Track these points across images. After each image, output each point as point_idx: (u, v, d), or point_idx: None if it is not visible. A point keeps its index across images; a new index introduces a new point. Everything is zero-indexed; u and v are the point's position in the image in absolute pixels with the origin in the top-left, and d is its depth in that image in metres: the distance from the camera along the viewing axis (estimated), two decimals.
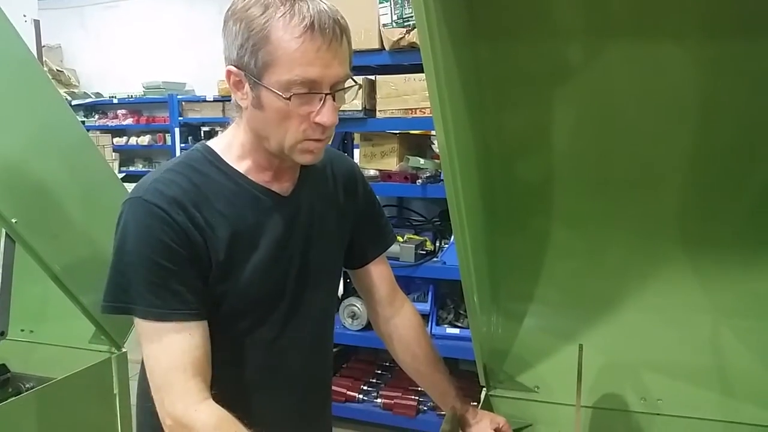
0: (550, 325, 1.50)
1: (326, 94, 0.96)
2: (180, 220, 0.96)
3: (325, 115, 0.96)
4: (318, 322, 1.19)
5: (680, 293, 1.38)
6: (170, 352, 0.95)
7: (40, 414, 1.70)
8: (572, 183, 1.37)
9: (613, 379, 1.43)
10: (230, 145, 1.06)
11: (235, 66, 0.96)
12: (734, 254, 1.35)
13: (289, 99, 0.94)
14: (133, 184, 1.12)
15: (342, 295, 3.40)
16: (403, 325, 1.32)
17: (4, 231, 1.58)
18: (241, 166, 1.06)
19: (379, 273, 1.30)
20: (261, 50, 0.92)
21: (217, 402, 0.96)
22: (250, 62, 0.94)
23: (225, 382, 1.00)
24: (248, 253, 1.04)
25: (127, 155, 7.19)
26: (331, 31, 0.92)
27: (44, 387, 1.72)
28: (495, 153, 1.34)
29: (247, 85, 0.97)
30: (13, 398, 1.67)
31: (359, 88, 1.03)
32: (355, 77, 1.01)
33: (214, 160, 1.05)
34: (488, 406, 1.46)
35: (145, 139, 6.98)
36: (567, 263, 1.45)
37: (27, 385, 1.82)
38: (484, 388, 1.50)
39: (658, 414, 1.39)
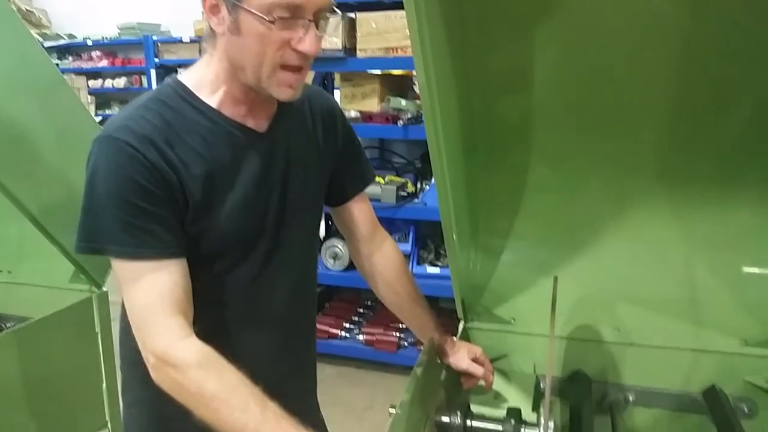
0: (528, 259, 1.52)
1: (310, 21, 0.94)
2: (152, 158, 0.94)
3: (308, 43, 0.94)
4: (299, 261, 1.18)
5: (656, 227, 1.40)
6: (149, 291, 0.94)
7: (21, 353, 1.71)
8: (552, 119, 1.37)
9: (588, 311, 1.46)
10: (202, 79, 1.03)
11: None
12: (711, 189, 1.36)
13: (272, 22, 0.91)
14: None
15: (324, 236, 3.43)
16: (384, 262, 1.33)
17: None
18: (214, 101, 1.03)
19: (359, 211, 1.30)
20: None
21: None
22: None
23: (206, 322, 0.99)
24: (225, 192, 1.02)
25: (103, 98, 7.03)
26: None
27: (25, 326, 1.72)
28: (476, 90, 1.33)
29: (224, 9, 0.94)
30: None
31: (341, 21, 1.00)
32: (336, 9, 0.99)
33: (186, 95, 1.02)
34: (466, 339, 1.49)
35: (120, 82, 6.82)
36: (545, 198, 1.46)
37: (7, 325, 1.83)
38: (462, 322, 1.53)
39: (630, 344, 1.43)
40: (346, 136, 1.25)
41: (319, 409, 1.33)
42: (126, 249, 0.94)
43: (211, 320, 0.99)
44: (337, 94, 3.29)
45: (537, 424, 1.14)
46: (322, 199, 1.23)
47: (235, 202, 1.03)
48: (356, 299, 3.66)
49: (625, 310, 1.44)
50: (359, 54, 2.83)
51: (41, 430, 1.79)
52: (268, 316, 1.12)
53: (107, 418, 1.92)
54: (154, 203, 0.94)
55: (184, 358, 0.91)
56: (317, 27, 0.96)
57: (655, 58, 1.23)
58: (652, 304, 1.42)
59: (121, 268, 0.95)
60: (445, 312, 2.51)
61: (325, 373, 3.30)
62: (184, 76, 1.05)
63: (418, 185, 3.20)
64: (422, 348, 1.33)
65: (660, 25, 1.18)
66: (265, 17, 0.91)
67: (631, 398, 1.45)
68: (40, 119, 1.83)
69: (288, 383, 1.07)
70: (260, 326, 1.12)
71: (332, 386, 3.15)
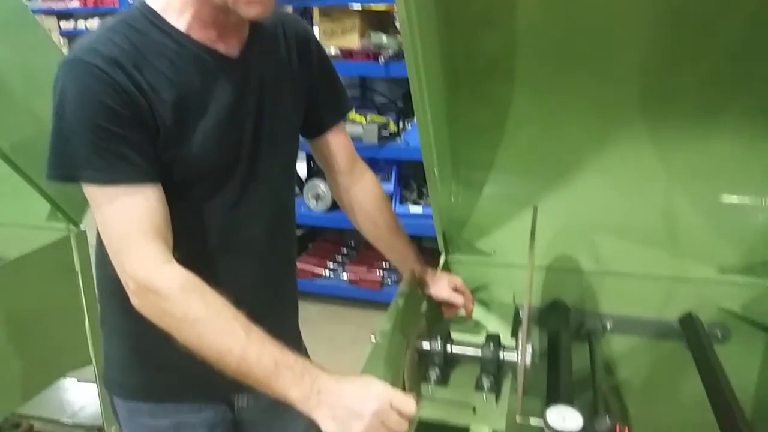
0: (509, 191, 1.52)
1: None
2: (120, 80, 0.91)
3: None
4: (277, 191, 1.17)
5: (637, 157, 1.41)
6: (126, 217, 0.92)
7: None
8: (534, 52, 1.35)
9: (567, 241, 1.47)
10: (169, 2, 0.99)
11: None
12: (692, 119, 1.36)
13: None
14: None
15: (306, 177, 3.41)
16: (363, 194, 1.31)
17: None
18: (182, 24, 0.99)
19: (337, 142, 1.27)
20: None
21: None
22: None
23: (183, 251, 0.98)
24: (197, 118, 1.00)
25: (75, 41, 6.81)
26: None
27: (2, 265, 1.71)
28: (457, 23, 1.30)
29: None
30: None
31: None
32: None
33: (153, 18, 0.98)
34: (447, 271, 1.51)
35: (93, 23, 6.60)
36: (527, 130, 1.45)
37: None
38: (443, 254, 1.54)
39: (608, 273, 1.45)
40: (322, 64, 1.21)
41: (302, 339, 1.34)
42: (99, 174, 0.91)
43: (187, 249, 0.98)
44: (315, 30, 3.20)
45: (515, 349, 1.16)
46: (297, 128, 1.21)
47: (208, 130, 1.00)
48: (339, 240, 3.67)
49: (604, 240, 1.45)
50: None
51: (25, 368, 1.80)
52: (245, 246, 1.11)
53: (91, 354, 1.93)
54: (125, 127, 0.92)
55: (166, 283, 0.90)
56: None
57: None
58: (631, 234, 1.43)
59: (96, 195, 0.93)
60: (428, 252, 2.52)
61: (309, 311, 3.37)
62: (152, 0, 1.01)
63: (401, 124, 3.17)
64: (403, 280, 1.34)
65: None
66: None
67: (608, 326, 1.48)
68: (8, 57, 1.77)
69: (268, 312, 1.06)
70: (237, 255, 1.11)
71: (317, 324, 3.19)
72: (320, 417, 0.86)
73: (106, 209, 0.93)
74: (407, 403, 0.87)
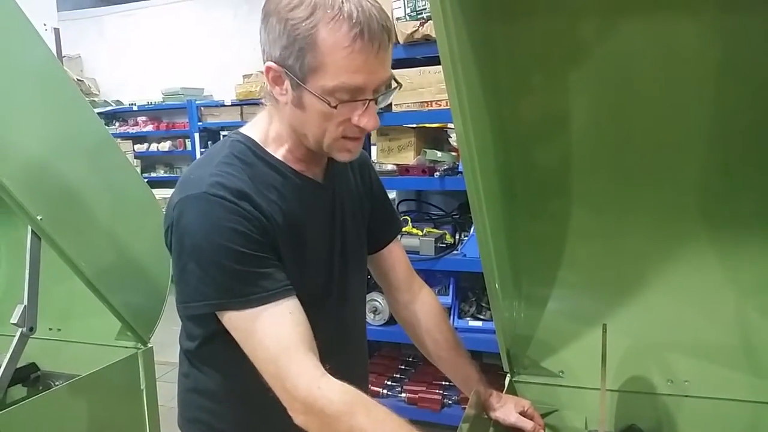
0: (573, 308, 1.48)
1: (369, 100, 0.97)
2: (249, 209, 0.97)
3: (367, 120, 0.98)
4: (357, 304, 1.25)
5: (703, 273, 1.37)
6: (277, 334, 0.94)
7: (68, 409, 1.73)
8: (591, 165, 1.37)
9: (639, 362, 1.41)
10: (267, 135, 1.07)
11: (276, 63, 0.95)
12: (756, 231, 1.33)
13: (335, 107, 0.94)
14: (157, 190, 1.12)
15: None
16: (422, 310, 1.33)
17: (30, 228, 1.60)
18: (280, 155, 1.07)
19: (396, 257, 1.32)
20: (307, 55, 0.91)
21: None
22: (295, 65, 0.93)
23: None
24: (301, 244, 1.05)
25: (148, 161, 7.28)
26: (379, 38, 0.91)
27: (72, 382, 1.74)
28: (513, 138, 1.34)
29: (287, 83, 0.97)
30: (42, 393, 1.70)
31: (398, 88, 1.03)
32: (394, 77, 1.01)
33: (257, 151, 1.05)
34: (513, 393, 1.45)
35: (165, 145, 7.05)
36: (588, 246, 1.44)
37: (56, 383, 1.85)
38: (508, 375, 1.49)
39: (686, 396, 1.37)
40: (378, 185, 1.30)
41: None
42: (249, 298, 0.94)
43: None
44: (373, 149, 3.34)
45: None
46: (366, 243, 1.25)
47: (310, 254, 1.07)
48: (397, 355, 3.59)
49: (677, 360, 1.39)
50: (395, 108, 2.88)
51: None
52: (339, 359, 1.09)
53: None
54: (261, 249, 0.97)
55: (330, 400, 0.91)
56: (376, 102, 0.98)
57: (693, 99, 1.23)
58: (705, 353, 1.37)
59: (241, 319, 0.95)
60: (489, 368, 2.43)
61: None
62: (251, 132, 1.08)
63: (457, 236, 3.18)
64: (468, 402, 1.30)
65: (698, 66, 1.18)
66: (328, 101, 0.94)
67: None
68: (90, 179, 1.89)
69: None
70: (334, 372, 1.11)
71: None
72: None
73: (255, 331, 0.95)
74: None
